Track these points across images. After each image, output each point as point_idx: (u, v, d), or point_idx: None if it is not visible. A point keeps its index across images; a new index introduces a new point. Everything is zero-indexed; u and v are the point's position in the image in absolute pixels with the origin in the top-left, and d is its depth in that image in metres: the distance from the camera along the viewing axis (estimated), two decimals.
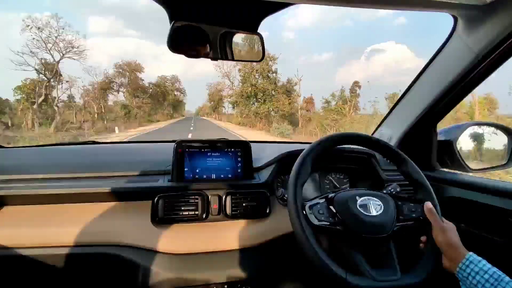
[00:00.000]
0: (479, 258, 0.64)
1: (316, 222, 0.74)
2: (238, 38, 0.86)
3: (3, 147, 1.22)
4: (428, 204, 0.76)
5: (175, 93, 51.39)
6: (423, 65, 1.08)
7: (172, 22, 0.73)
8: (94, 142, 1.44)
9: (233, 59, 0.88)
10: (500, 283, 0.58)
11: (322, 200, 0.79)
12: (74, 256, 0.92)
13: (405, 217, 0.77)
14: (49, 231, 0.91)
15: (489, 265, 0.62)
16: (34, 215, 0.93)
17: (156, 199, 0.95)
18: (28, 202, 0.94)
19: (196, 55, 0.82)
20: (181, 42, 0.77)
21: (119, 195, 0.97)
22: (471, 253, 0.66)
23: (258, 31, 0.83)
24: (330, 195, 0.80)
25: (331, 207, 0.77)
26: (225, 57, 0.86)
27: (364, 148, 0.94)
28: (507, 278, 0.59)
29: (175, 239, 0.94)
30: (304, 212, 0.74)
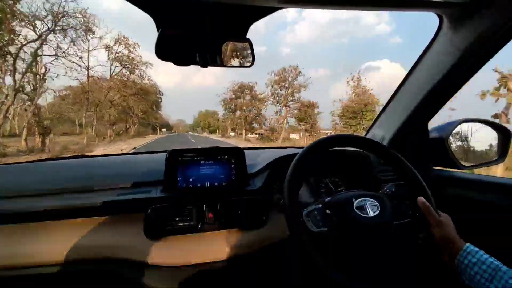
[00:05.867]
0: (477, 249, 0.65)
1: (314, 229, 0.73)
2: (228, 44, 0.86)
3: None
4: (421, 198, 0.76)
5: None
6: None
7: (160, 30, 0.72)
8: (83, 156, 1.40)
9: (223, 66, 0.87)
10: (498, 272, 0.59)
11: (319, 206, 0.78)
12: (66, 274, 0.89)
13: (402, 215, 0.77)
14: (38, 249, 0.88)
15: (486, 256, 0.63)
16: (22, 234, 0.89)
17: (149, 210, 0.92)
18: (14, 220, 0.90)
19: (185, 63, 0.81)
20: (170, 50, 0.76)
21: (110, 208, 0.94)
22: (468, 244, 0.66)
23: (247, 36, 0.83)
24: (326, 200, 0.80)
25: (328, 211, 0.76)
26: (215, 64, 0.85)
27: (358, 149, 0.94)
28: (504, 268, 0.60)
29: (170, 251, 0.92)
30: (301, 219, 0.73)
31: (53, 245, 0.88)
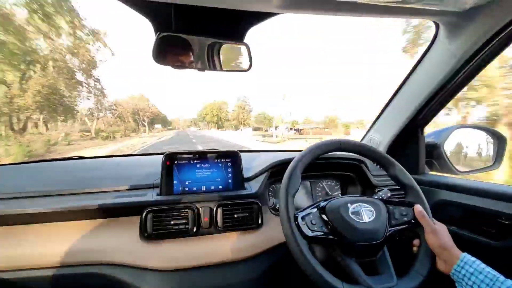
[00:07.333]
0: (473, 258, 0.65)
1: (309, 233, 0.73)
2: (225, 48, 0.86)
3: None
4: (418, 207, 0.76)
5: None
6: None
7: (157, 34, 0.72)
8: (80, 157, 1.39)
9: (221, 70, 0.87)
10: (495, 282, 0.59)
11: (314, 210, 0.78)
12: (60, 278, 0.88)
13: (397, 222, 0.77)
14: (32, 252, 0.87)
15: (483, 265, 0.63)
16: (15, 236, 0.88)
17: (144, 214, 0.91)
18: (8, 222, 0.89)
19: (183, 66, 0.82)
20: (167, 53, 0.76)
21: (105, 211, 0.93)
22: (464, 253, 0.66)
23: (245, 41, 0.83)
24: (321, 204, 0.80)
25: (324, 216, 0.76)
26: (212, 68, 0.85)
27: (354, 154, 0.94)
28: (502, 278, 0.59)
29: (166, 255, 0.91)
30: (296, 223, 0.73)
31: (46, 248, 0.87)
